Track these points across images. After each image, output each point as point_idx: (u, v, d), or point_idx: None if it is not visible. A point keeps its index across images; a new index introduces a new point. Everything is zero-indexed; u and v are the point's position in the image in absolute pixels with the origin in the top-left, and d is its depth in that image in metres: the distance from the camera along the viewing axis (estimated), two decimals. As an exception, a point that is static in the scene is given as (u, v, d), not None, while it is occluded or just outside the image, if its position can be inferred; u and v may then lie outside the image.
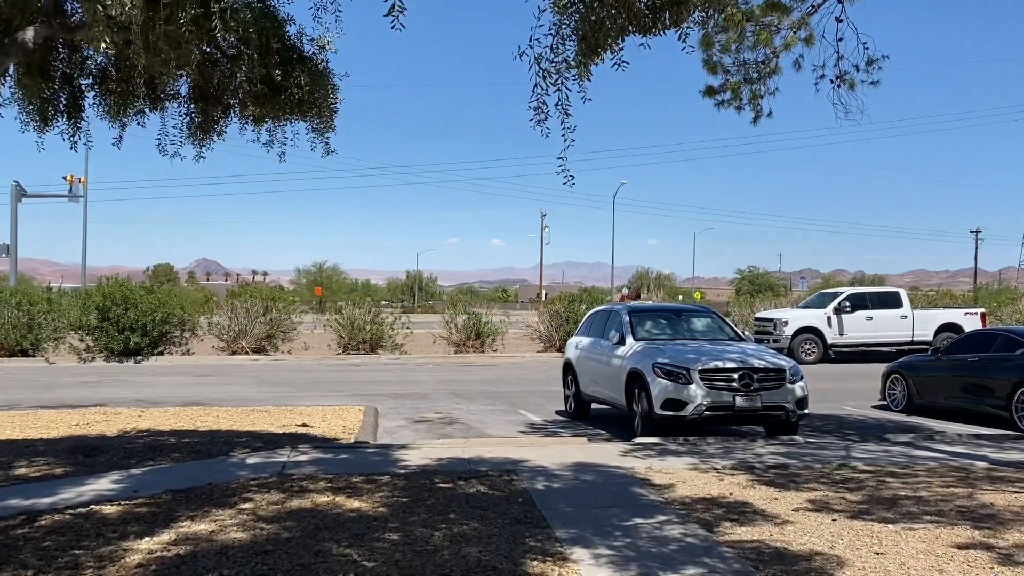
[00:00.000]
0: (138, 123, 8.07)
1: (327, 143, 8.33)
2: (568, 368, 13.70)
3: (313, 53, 8.20)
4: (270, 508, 6.43)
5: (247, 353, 26.04)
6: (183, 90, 8.36)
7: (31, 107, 7.60)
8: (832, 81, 9.11)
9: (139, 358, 24.41)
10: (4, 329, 24.72)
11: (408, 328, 26.53)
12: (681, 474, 7.95)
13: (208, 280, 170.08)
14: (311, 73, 7.91)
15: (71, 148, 7.62)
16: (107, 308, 24.30)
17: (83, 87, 7.69)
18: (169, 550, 5.27)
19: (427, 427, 12.32)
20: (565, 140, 5.73)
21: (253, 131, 8.61)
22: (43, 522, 5.97)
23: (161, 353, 25.28)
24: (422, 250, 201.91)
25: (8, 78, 7.38)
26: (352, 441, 10.01)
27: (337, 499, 6.74)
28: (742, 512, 6.52)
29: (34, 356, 24.80)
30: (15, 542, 5.42)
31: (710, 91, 9.40)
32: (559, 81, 5.57)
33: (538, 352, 26.76)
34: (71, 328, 25.47)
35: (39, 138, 7.71)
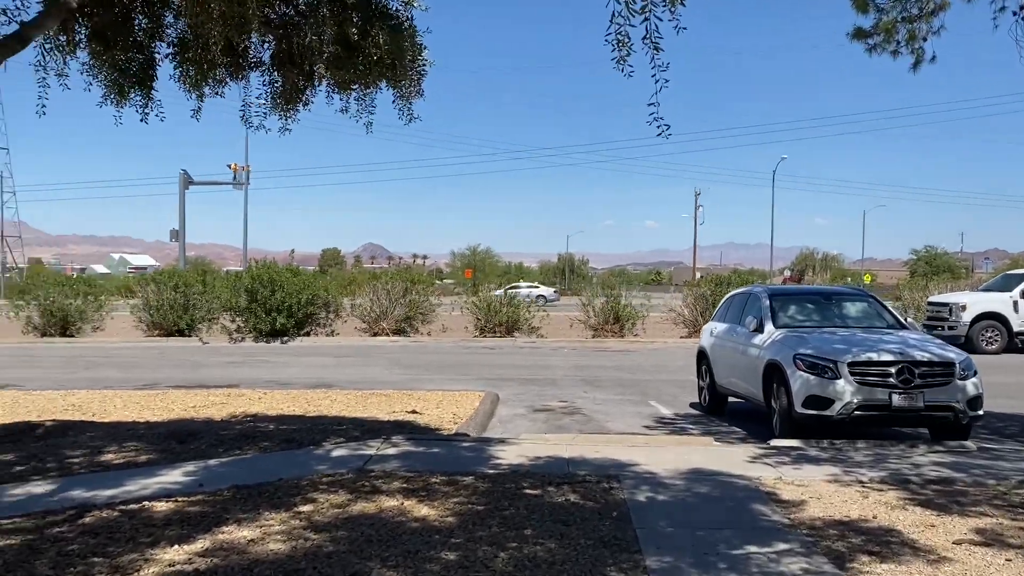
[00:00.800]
0: (217, 93, 7.64)
1: (410, 109, 7.60)
2: (702, 357, 12.46)
3: (397, 10, 7.46)
4: (329, 512, 5.77)
5: (387, 334, 26.15)
6: (265, 58, 7.88)
7: (108, 79, 7.29)
8: (1015, 13, 7.43)
9: (285, 339, 24.96)
10: (163, 310, 25.98)
11: (544, 311, 25.79)
12: (817, 488, 6.68)
13: (372, 263, 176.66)
14: (392, 31, 7.16)
15: (141, 120, 7.26)
16: (255, 290, 24.97)
17: (156, 57, 7.29)
18: (192, 562, 4.66)
19: (545, 417, 11.49)
20: (656, 81, 4.65)
21: (341, 99, 8.02)
22: (87, 519, 5.56)
23: (307, 334, 25.77)
24: (573, 232, 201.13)
25: (80, 49, 7.10)
26: (453, 432, 9.30)
27: (406, 503, 5.99)
28: (886, 542, 5.25)
29: (189, 336, 25.90)
30: (42, 543, 5.00)
31: (859, 33, 7.89)
32: (646, 7, 4.49)
33: (681, 338, 25.29)
34: (223, 309, 26.42)
35: (117, 112, 7.40)
